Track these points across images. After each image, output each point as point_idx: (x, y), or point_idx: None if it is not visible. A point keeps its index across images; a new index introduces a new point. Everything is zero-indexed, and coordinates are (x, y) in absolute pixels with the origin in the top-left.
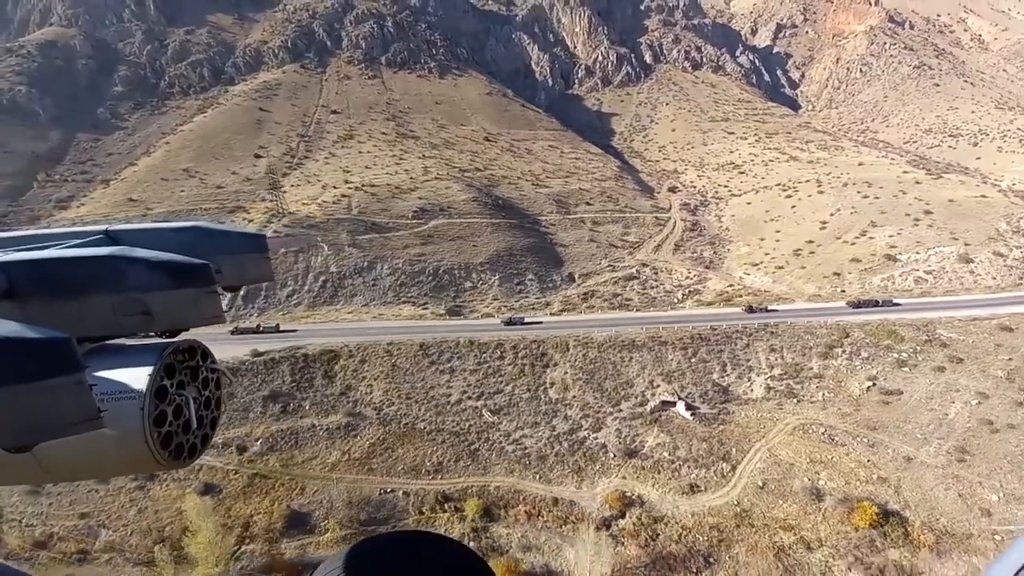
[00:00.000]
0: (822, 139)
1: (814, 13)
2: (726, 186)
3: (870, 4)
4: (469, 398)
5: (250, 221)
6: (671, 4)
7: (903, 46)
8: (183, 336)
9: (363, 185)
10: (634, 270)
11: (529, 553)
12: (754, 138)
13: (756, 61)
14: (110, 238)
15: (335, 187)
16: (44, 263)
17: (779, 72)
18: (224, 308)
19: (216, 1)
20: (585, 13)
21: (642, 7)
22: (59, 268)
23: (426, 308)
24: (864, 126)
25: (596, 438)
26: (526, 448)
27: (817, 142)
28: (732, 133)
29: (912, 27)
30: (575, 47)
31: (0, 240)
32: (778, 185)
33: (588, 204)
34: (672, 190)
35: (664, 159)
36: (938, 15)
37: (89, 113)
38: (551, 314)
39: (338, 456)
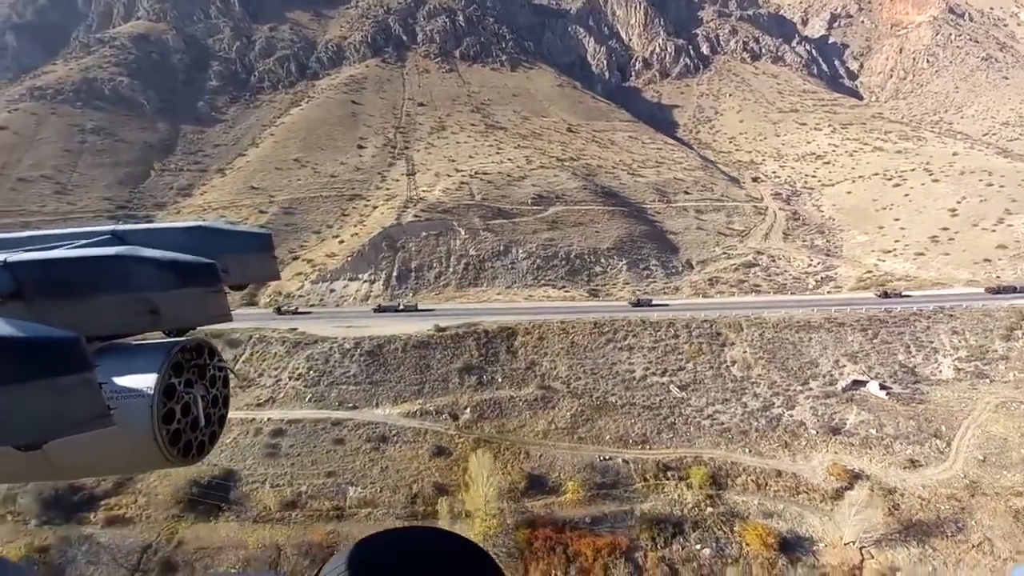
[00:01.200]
0: (901, 130)
1: (869, 2)
2: (814, 176)
3: None
4: (653, 374)
5: (374, 208)
6: None
7: (968, 38)
8: (190, 334)
9: (476, 173)
10: (750, 257)
11: (771, 520)
12: (829, 128)
13: (813, 51)
14: (117, 238)
15: (448, 175)
16: (52, 263)
17: (836, 62)
18: (379, 290)
19: (292, 0)
20: (641, 5)
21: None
22: (67, 268)
23: (566, 290)
24: (937, 117)
25: (792, 415)
26: (723, 423)
27: (897, 132)
28: (804, 124)
29: (971, 19)
30: (630, 39)
31: (7, 241)
32: (876, 175)
33: (686, 193)
34: (756, 180)
35: (737, 150)
36: (991, 8)
37: (190, 106)
38: (703, 296)
39: (545, 425)
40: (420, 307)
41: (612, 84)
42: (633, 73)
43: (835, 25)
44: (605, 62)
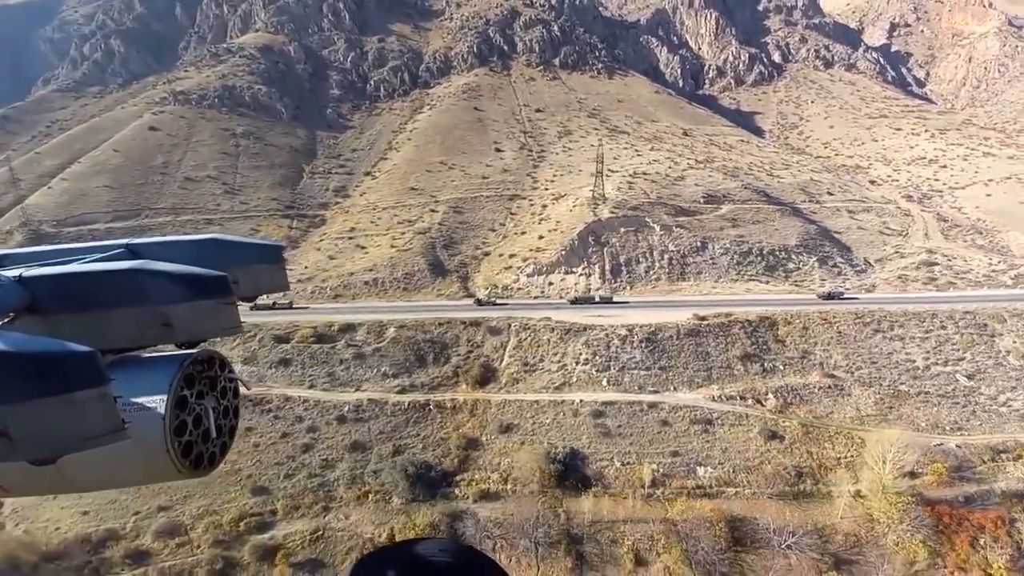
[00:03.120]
0: (997, 136)
1: (926, 12)
2: (936, 179)
3: (984, 7)
4: (935, 364)
5: (543, 207)
6: (789, 4)
7: None
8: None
9: (636, 173)
10: (924, 256)
11: None
12: (927, 134)
13: (881, 59)
14: (131, 252)
15: (606, 176)
16: (67, 278)
17: (903, 70)
18: (597, 283)
19: (391, 12)
20: (713, 15)
21: (760, 8)
22: (82, 283)
23: (771, 284)
24: (1020, 125)
25: None
26: (1019, 410)
27: (995, 139)
28: (900, 129)
29: None
30: (699, 48)
31: (23, 255)
32: (1009, 178)
33: (830, 194)
34: (872, 183)
35: (836, 155)
36: None
37: (318, 113)
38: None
39: (853, 412)
40: (615, 300)
41: (686, 92)
42: (707, 81)
43: (895, 34)
44: (679, 70)
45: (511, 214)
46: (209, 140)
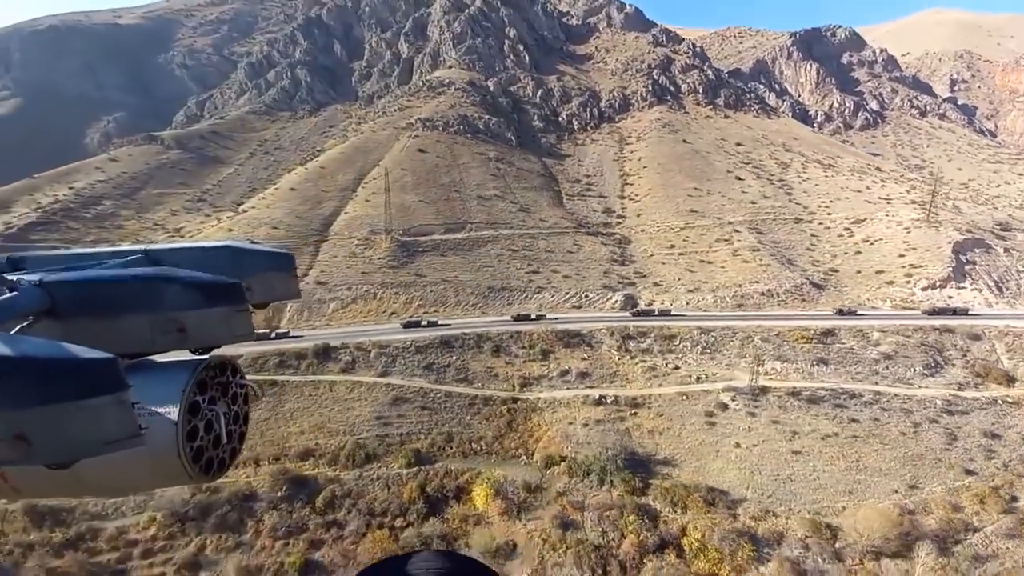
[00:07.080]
0: None
1: (979, 71)
2: None
3: None
4: None
5: (846, 229)
6: (870, 59)
7: None
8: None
9: (912, 201)
10: None
11: None
12: None
13: (956, 111)
14: (149, 258)
15: (887, 202)
16: (87, 283)
17: (976, 121)
18: (992, 298)
19: (549, 55)
20: (813, 66)
21: (843, 62)
22: (101, 288)
23: None
24: None
25: None
26: None
27: None
28: (1022, 175)
29: None
30: (800, 95)
31: (43, 259)
32: None
33: (1010, 217)
34: None
35: (979, 194)
36: None
37: (531, 141)
38: None
39: None
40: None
41: None
42: (816, 124)
43: (956, 89)
44: (789, 114)
45: (812, 236)
46: (473, 163)
